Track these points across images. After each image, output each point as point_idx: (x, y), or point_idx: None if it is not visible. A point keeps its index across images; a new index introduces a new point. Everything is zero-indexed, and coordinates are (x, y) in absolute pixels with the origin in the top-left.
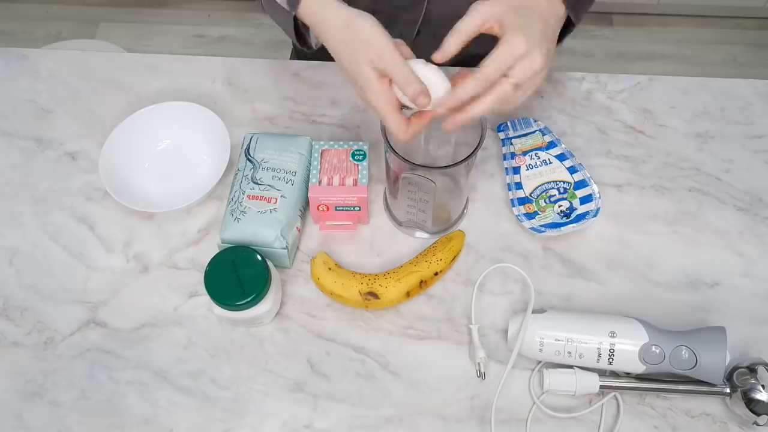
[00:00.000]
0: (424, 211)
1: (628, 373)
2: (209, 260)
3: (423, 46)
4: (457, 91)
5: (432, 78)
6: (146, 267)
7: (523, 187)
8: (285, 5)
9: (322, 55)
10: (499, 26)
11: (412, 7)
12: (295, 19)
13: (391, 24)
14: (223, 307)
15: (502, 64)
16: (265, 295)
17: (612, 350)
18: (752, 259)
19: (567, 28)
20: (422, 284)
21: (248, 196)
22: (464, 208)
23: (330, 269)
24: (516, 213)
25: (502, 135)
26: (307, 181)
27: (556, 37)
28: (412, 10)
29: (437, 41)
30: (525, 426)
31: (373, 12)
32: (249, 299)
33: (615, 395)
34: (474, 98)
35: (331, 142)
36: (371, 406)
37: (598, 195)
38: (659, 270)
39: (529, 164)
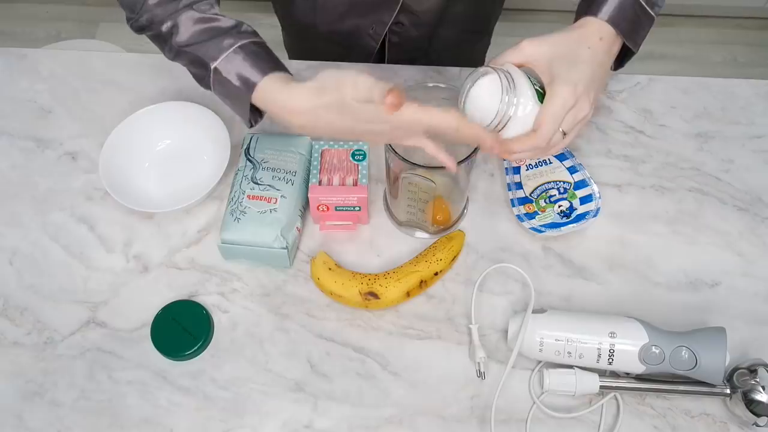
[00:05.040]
0: (424, 211)
1: (627, 374)
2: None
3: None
4: (512, 144)
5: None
6: (146, 267)
7: (523, 187)
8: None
9: (322, 55)
10: (548, 74)
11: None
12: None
13: (370, 13)
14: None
15: (556, 119)
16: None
17: (612, 350)
18: (752, 259)
19: (629, 52)
20: (422, 284)
21: (248, 196)
22: (464, 208)
23: (330, 269)
24: (516, 213)
25: None
26: (307, 181)
27: (605, 78)
28: (389, 3)
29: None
30: (525, 426)
31: (351, 5)
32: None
33: (615, 395)
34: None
35: (331, 142)
36: (371, 406)
37: (598, 195)
38: (659, 270)
39: (529, 164)
